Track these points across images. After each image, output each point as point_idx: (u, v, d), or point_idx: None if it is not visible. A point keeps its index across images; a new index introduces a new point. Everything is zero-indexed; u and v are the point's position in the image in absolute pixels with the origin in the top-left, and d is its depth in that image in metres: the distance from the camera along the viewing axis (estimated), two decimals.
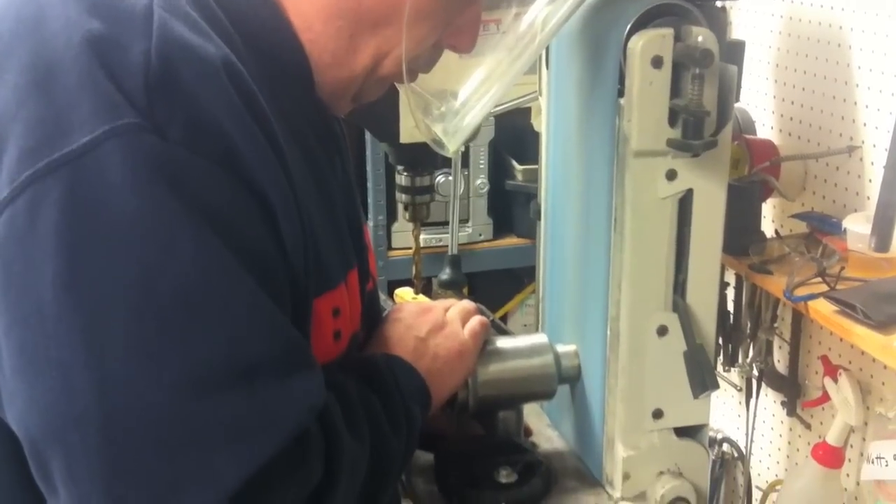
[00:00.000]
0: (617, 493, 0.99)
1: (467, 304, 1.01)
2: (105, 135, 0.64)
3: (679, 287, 0.95)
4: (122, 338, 0.63)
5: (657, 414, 0.97)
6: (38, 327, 0.63)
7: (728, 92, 0.88)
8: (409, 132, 1.43)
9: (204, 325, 0.65)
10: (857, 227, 1.46)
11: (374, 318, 0.97)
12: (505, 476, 0.97)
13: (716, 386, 0.94)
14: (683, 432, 0.99)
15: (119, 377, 0.63)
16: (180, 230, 0.65)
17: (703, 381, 0.93)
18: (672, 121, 0.88)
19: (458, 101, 0.92)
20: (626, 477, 0.98)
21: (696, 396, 0.95)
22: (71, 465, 0.63)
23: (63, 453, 0.63)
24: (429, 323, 0.95)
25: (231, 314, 0.66)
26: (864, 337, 1.32)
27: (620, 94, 0.89)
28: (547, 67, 1.11)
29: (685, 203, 0.92)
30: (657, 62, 0.86)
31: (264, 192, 0.70)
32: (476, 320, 0.98)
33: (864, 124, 1.57)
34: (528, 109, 1.71)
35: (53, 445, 0.64)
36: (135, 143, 0.64)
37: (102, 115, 0.64)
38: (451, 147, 0.92)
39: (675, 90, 0.88)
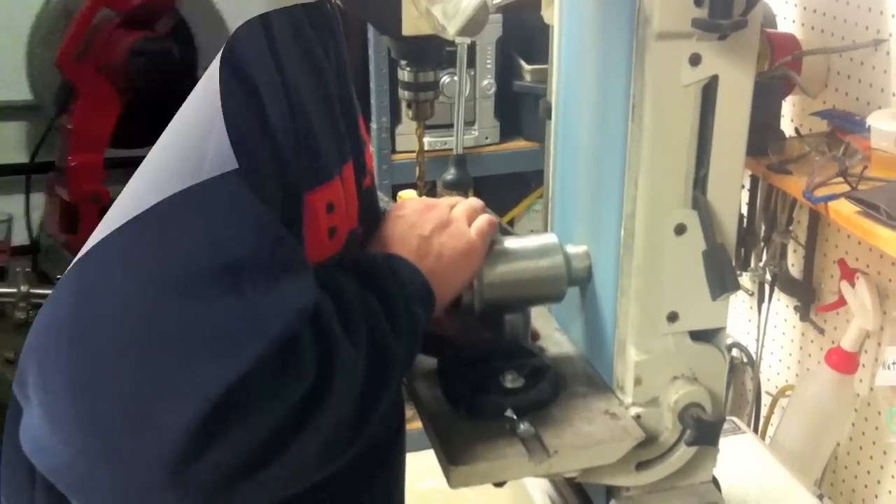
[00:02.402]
0: (628, 399, 0.95)
1: (474, 201, 0.96)
2: None
3: (699, 183, 0.89)
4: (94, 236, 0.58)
5: (672, 317, 0.92)
6: None
7: None
8: (411, 23, 1.35)
9: (181, 221, 0.60)
10: (882, 124, 1.40)
11: (372, 216, 0.91)
12: (511, 381, 0.93)
13: (737, 287, 0.89)
14: (699, 336, 0.95)
15: (91, 279, 0.58)
16: None
17: (723, 282, 0.88)
18: None
19: None
20: (637, 382, 0.94)
21: (714, 298, 0.90)
22: (44, 374, 0.59)
23: (38, 362, 0.59)
24: (433, 220, 0.89)
25: (211, 209, 0.61)
26: (886, 239, 1.28)
27: None
28: None
29: (709, 91, 0.86)
30: None
31: (249, 74, 0.64)
32: (483, 219, 0.93)
33: (893, 16, 1.49)
34: (538, 3, 1.63)
35: (30, 356, 0.60)
36: None
37: None
38: (451, 30, 0.86)
39: None
